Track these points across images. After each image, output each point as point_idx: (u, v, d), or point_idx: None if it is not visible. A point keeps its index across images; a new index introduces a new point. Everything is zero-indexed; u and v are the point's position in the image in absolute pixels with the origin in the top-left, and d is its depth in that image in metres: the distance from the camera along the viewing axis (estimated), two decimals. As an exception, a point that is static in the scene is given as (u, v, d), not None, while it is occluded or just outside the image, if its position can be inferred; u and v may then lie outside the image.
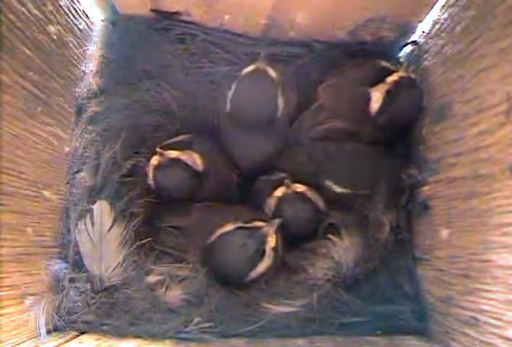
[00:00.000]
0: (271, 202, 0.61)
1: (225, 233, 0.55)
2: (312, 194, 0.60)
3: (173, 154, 0.57)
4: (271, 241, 0.54)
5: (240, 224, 0.55)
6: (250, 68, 0.59)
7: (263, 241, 0.54)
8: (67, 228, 0.57)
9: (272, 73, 0.59)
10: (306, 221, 0.59)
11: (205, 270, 0.56)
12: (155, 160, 0.58)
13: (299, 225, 0.59)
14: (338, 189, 0.61)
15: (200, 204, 0.61)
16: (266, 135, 0.64)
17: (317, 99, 0.64)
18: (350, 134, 0.63)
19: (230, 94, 0.61)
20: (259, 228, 0.54)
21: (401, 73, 0.59)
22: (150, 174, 0.59)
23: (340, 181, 0.61)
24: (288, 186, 0.58)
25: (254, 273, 0.55)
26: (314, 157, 0.63)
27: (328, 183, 0.61)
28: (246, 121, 0.62)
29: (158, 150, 0.56)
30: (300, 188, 0.59)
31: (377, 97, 0.60)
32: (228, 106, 0.61)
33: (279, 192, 0.60)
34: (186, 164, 0.58)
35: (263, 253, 0.54)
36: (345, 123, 0.62)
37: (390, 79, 0.59)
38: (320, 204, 0.61)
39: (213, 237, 0.56)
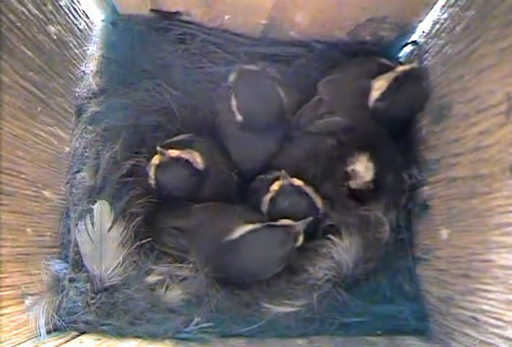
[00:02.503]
0: (267, 197, 0.60)
1: (258, 230, 0.54)
2: (309, 190, 0.60)
3: (174, 153, 0.57)
4: (300, 240, 0.55)
5: (267, 222, 0.55)
6: (247, 67, 0.59)
7: (296, 240, 0.54)
8: (67, 228, 0.57)
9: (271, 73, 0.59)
10: (303, 216, 0.58)
11: (206, 269, 0.56)
12: (156, 159, 0.58)
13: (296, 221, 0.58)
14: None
15: (200, 204, 0.61)
16: (269, 135, 0.63)
17: (317, 94, 0.64)
18: (348, 129, 0.62)
19: (235, 100, 0.60)
20: (292, 225, 0.54)
21: (413, 64, 0.59)
22: (152, 173, 0.59)
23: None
24: (284, 178, 0.58)
25: (277, 271, 0.55)
26: (311, 152, 0.63)
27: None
28: (257, 126, 0.61)
29: (158, 148, 0.56)
30: (297, 182, 0.59)
31: (379, 85, 0.59)
32: (237, 113, 0.60)
33: (276, 186, 0.59)
34: (187, 162, 0.58)
35: (294, 251, 0.54)
36: (344, 117, 0.62)
37: (401, 68, 0.59)
38: (318, 201, 0.60)
39: (238, 233, 0.55)
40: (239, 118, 0.60)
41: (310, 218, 0.55)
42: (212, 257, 0.56)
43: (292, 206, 0.58)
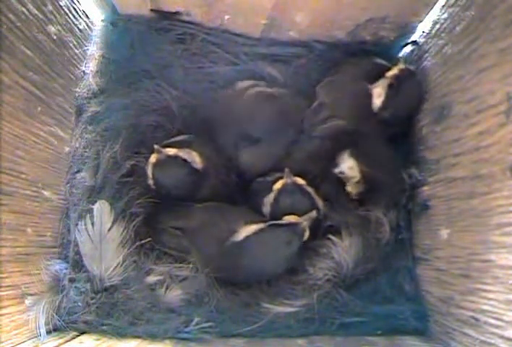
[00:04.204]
0: (270, 197, 0.60)
1: (263, 231, 0.54)
2: (311, 190, 0.59)
3: (171, 151, 0.57)
4: (306, 235, 0.54)
5: (271, 222, 0.54)
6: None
7: (302, 237, 0.53)
8: (67, 228, 0.57)
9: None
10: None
11: (206, 269, 0.56)
12: (153, 157, 0.58)
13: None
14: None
15: (201, 205, 0.61)
16: (278, 141, 0.63)
17: (317, 97, 0.64)
18: (352, 133, 0.63)
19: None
20: (297, 223, 0.54)
21: (400, 66, 0.59)
22: (149, 172, 0.59)
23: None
24: (288, 176, 0.57)
25: (284, 269, 0.55)
26: (313, 155, 0.63)
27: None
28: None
29: (155, 146, 0.56)
30: (300, 181, 0.58)
31: (378, 93, 0.60)
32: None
33: (279, 184, 0.59)
34: (184, 161, 0.58)
35: (301, 248, 0.54)
36: (346, 121, 0.62)
37: (391, 73, 0.60)
38: (319, 202, 0.60)
39: (242, 234, 0.54)
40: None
41: (314, 213, 0.54)
42: (215, 258, 0.56)
43: (294, 205, 0.57)
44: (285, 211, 0.57)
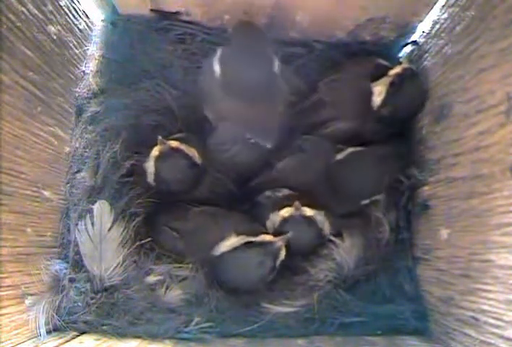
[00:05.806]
0: (275, 220, 0.59)
1: (237, 249, 0.54)
2: (319, 218, 0.58)
3: (174, 143, 0.57)
4: (281, 255, 0.54)
5: (248, 238, 0.54)
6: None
7: (276, 257, 0.53)
8: (67, 228, 0.57)
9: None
10: (307, 245, 0.58)
11: (205, 270, 0.56)
12: (156, 150, 0.57)
13: (299, 247, 0.57)
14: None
15: (198, 208, 0.61)
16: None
17: (318, 93, 0.64)
18: (353, 134, 0.62)
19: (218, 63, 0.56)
20: (271, 243, 0.53)
21: (404, 65, 0.59)
22: (151, 165, 0.58)
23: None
24: (297, 209, 0.56)
25: (263, 284, 0.55)
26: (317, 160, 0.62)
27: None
28: (240, 88, 0.55)
29: (159, 138, 0.55)
30: (309, 212, 0.57)
31: (379, 91, 0.60)
32: (219, 73, 0.55)
33: (286, 212, 0.57)
34: (186, 154, 0.58)
35: (275, 267, 0.54)
36: (347, 122, 0.62)
37: (393, 71, 0.59)
38: (326, 227, 0.58)
39: (221, 249, 0.55)
40: (219, 79, 0.55)
41: (288, 235, 0.53)
42: (206, 263, 0.56)
43: (298, 235, 0.56)
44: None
